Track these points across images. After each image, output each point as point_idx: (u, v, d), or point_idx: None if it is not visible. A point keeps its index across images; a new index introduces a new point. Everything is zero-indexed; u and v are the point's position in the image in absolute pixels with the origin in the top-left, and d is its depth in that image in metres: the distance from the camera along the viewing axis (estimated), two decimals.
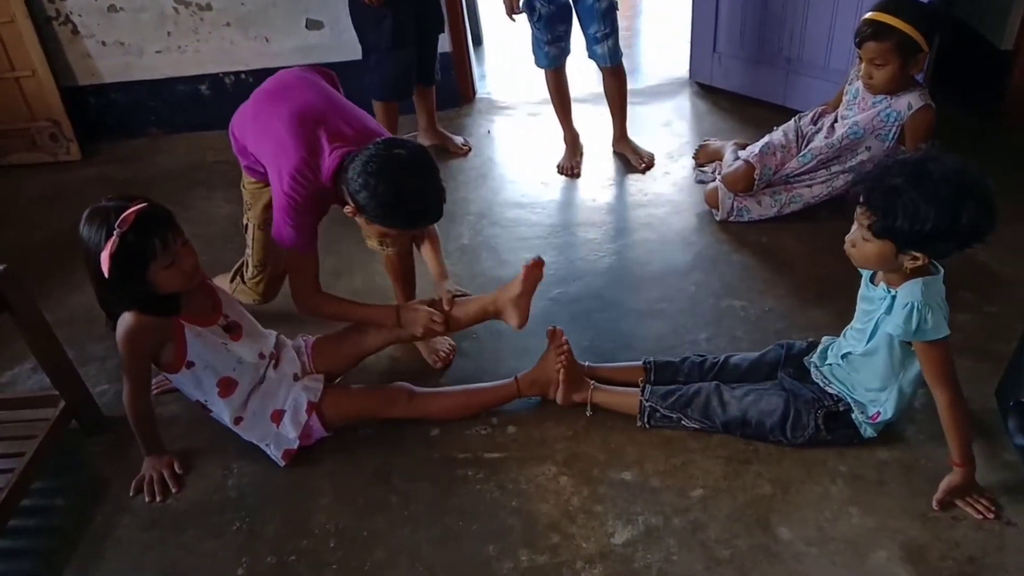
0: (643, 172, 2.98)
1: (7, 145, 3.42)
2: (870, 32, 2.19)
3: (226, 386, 1.81)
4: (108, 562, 1.71)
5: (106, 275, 1.54)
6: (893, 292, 1.57)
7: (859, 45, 2.24)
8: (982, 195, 1.41)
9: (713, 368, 1.91)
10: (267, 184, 2.00)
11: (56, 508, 1.88)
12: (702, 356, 1.95)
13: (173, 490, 1.84)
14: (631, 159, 3.03)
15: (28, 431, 1.88)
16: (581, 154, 3.11)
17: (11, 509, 1.74)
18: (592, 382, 1.92)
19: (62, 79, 3.39)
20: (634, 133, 3.12)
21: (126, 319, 1.67)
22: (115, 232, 1.52)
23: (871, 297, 1.65)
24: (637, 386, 1.88)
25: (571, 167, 3.03)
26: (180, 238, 1.65)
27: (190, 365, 1.76)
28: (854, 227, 1.54)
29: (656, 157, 3.05)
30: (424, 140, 3.27)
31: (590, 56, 2.87)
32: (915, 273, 1.53)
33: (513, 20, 2.82)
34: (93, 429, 2.02)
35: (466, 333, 2.23)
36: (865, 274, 1.68)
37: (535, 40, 2.85)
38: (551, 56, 2.86)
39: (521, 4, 2.75)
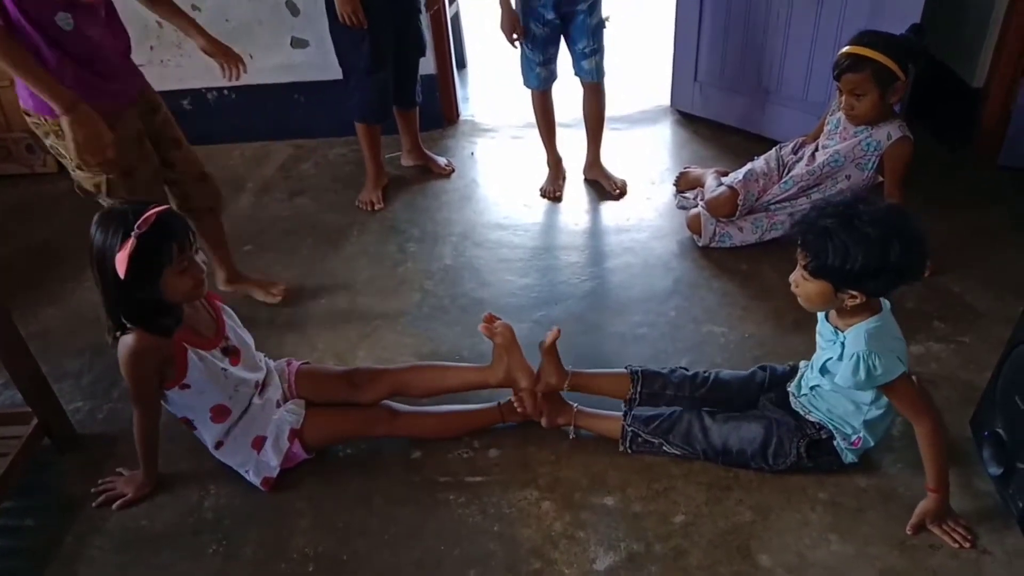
0: (617, 198, 3.00)
1: None
2: (848, 64, 2.25)
3: (219, 413, 1.78)
4: None
5: (121, 276, 1.52)
6: (842, 337, 1.60)
7: (838, 78, 2.30)
8: (910, 236, 1.45)
9: (705, 383, 1.89)
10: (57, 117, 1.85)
11: (26, 528, 1.83)
12: (691, 370, 1.94)
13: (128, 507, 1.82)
14: (604, 185, 3.06)
15: None
16: (564, 178, 3.13)
17: None
18: (575, 405, 1.93)
19: None
20: (615, 159, 3.15)
21: (127, 342, 1.64)
22: (133, 233, 1.51)
23: (825, 334, 1.68)
24: (621, 398, 1.89)
25: (554, 190, 3.05)
26: (193, 246, 1.64)
27: (184, 387, 1.73)
28: (797, 268, 1.58)
29: (638, 183, 3.08)
30: (408, 160, 3.29)
31: (576, 72, 2.89)
32: (857, 310, 1.56)
33: (515, 46, 2.82)
34: (66, 447, 1.98)
35: (449, 357, 2.23)
36: None
37: (526, 61, 2.87)
38: (542, 78, 2.88)
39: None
